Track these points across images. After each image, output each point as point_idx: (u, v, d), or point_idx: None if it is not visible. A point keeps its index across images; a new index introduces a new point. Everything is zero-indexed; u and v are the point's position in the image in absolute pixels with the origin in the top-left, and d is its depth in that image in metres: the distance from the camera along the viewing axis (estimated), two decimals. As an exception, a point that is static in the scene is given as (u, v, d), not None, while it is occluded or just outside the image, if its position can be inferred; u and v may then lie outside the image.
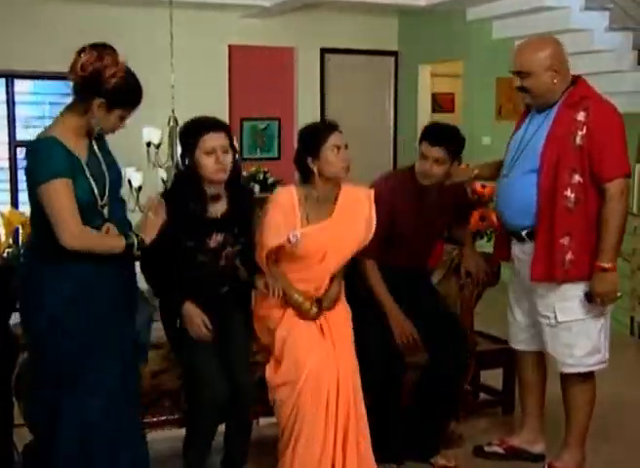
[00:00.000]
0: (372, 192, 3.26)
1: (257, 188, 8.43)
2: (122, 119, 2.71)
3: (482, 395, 4.18)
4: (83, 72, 2.58)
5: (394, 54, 9.44)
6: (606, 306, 3.16)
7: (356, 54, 9.23)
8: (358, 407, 3.08)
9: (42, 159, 2.56)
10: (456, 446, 3.64)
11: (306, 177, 3.14)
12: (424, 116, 9.34)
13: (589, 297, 3.11)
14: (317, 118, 9.16)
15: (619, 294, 3.12)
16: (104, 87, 2.60)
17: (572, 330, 3.17)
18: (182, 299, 2.98)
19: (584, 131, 3.02)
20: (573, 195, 3.03)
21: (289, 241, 3.04)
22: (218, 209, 3.02)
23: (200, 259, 3.00)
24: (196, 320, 2.96)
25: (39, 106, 8.12)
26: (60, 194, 2.54)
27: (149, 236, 2.69)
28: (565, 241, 3.05)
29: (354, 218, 3.17)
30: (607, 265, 3.04)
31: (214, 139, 2.94)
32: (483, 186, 3.97)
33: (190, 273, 3.01)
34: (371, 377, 3.16)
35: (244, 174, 8.45)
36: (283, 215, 3.05)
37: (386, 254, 3.37)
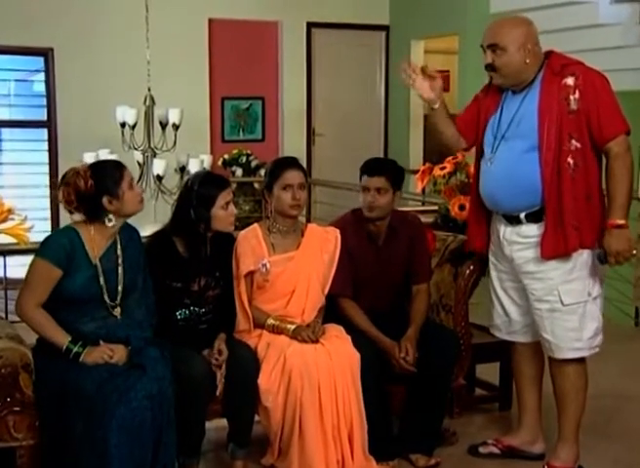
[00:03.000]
0: (338, 231, 3.54)
1: (239, 172, 8.43)
2: (131, 186, 3.09)
3: (477, 390, 4.20)
4: (70, 203, 3.04)
5: (385, 28, 9.44)
6: (621, 264, 3.27)
7: (345, 28, 9.21)
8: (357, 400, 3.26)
9: (47, 239, 3.08)
10: (449, 443, 3.66)
11: (269, 211, 3.50)
12: (417, 96, 9.32)
13: (603, 258, 3.21)
14: (303, 97, 9.18)
15: (634, 252, 3.24)
16: (91, 192, 3.02)
17: (578, 312, 3.26)
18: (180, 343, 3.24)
19: (577, 94, 3.14)
20: (572, 161, 3.16)
21: (260, 270, 3.39)
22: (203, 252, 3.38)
23: (185, 302, 3.32)
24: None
25: (4, 83, 8.03)
26: (36, 272, 3.01)
27: (90, 358, 2.97)
28: (571, 209, 3.16)
29: (319, 253, 3.49)
30: (621, 222, 3.16)
31: (228, 194, 3.34)
32: (461, 208, 4.06)
33: (175, 317, 3.32)
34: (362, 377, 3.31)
35: (225, 156, 8.46)
36: (250, 248, 3.41)
37: (356, 299, 3.56)
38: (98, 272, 3.05)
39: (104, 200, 3.03)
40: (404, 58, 3.47)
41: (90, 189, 3.01)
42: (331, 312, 3.53)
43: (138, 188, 3.15)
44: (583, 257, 3.23)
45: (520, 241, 3.30)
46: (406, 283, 3.66)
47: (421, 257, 3.67)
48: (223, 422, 3.33)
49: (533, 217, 3.25)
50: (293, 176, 3.43)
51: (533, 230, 3.26)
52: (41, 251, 3.02)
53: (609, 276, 5.96)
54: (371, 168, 3.58)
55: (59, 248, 3.01)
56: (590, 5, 6.28)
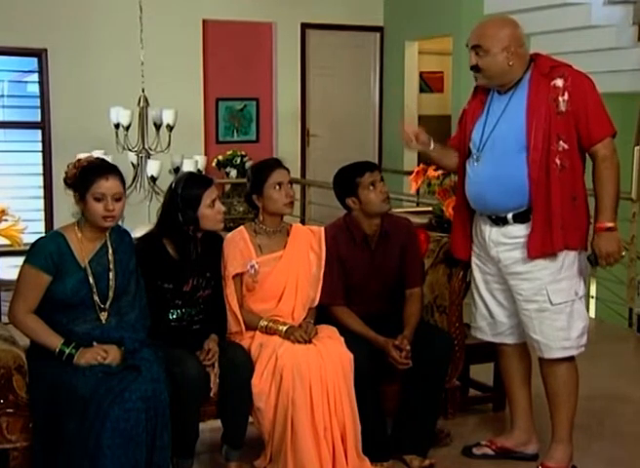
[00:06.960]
0: (322, 229, 3.57)
1: (233, 173, 8.43)
2: (98, 200, 3.01)
3: (471, 391, 4.20)
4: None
5: (379, 29, 9.45)
6: (612, 266, 3.32)
7: (339, 29, 9.23)
8: (350, 400, 3.26)
9: (34, 245, 3.07)
10: (443, 444, 3.66)
11: (256, 213, 3.51)
12: (412, 96, 9.35)
13: (594, 261, 3.24)
14: (298, 98, 9.20)
15: (623, 253, 3.28)
16: (71, 182, 3.08)
17: (566, 311, 3.28)
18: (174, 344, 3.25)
19: (566, 96, 3.16)
20: (560, 162, 3.18)
21: (248, 271, 3.41)
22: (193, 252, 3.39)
23: (177, 302, 3.32)
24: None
25: (-3, 83, 8.05)
26: (25, 279, 3.02)
27: (83, 359, 2.96)
28: (559, 210, 3.19)
29: (305, 251, 3.51)
30: (611, 224, 3.19)
31: (213, 192, 3.32)
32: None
33: (167, 318, 3.32)
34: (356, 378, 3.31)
35: (219, 157, 8.45)
36: (238, 250, 3.42)
37: (350, 304, 3.56)
38: (87, 275, 3.05)
39: (74, 195, 3.07)
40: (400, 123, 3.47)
41: (71, 178, 3.06)
42: (324, 314, 3.54)
43: (110, 204, 3.01)
44: (570, 257, 3.25)
45: (507, 242, 3.31)
46: (399, 287, 3.66)
47: (414, 262, 3.67)
48: (218, 423, 3.33)
49: (520, 218, 3.26)
50: (282, 175, 3.45)
51: (520, 230, 3.27)
52: (29, 257, 3.03)
53: (602, 277, 6.05)
54: (366, 165, 3.61)
55: (46, 254, 3.00)
56: (583, 6, 6.29)
